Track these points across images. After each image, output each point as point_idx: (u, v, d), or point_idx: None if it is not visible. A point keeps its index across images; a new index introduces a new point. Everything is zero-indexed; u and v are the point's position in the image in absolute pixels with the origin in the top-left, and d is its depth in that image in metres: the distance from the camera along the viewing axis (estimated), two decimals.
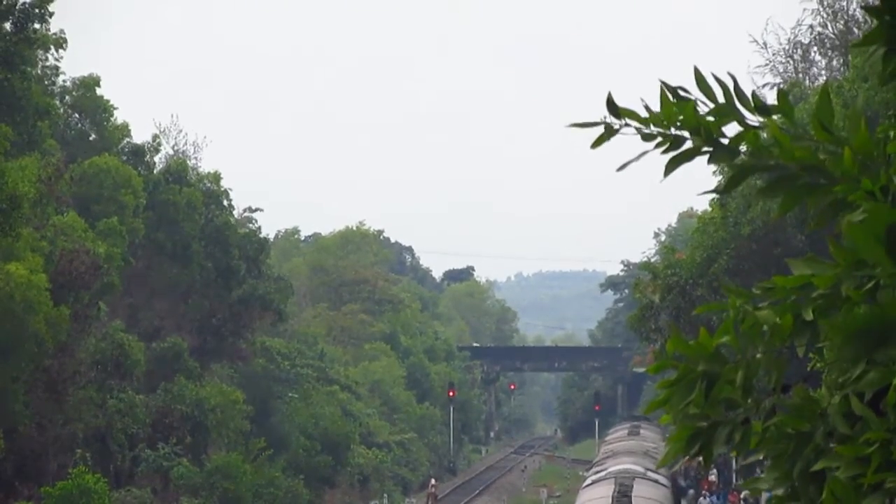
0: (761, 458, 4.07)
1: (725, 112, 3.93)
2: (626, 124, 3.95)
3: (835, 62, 48.99)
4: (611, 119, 3.96)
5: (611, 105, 3.97)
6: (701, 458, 4.07)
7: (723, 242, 37.45)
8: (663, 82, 3.97)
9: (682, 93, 3.92)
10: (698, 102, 3.92)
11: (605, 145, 4.02)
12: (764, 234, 36.44)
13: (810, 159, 3.81)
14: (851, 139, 3.75)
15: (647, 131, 3.94)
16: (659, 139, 3.94)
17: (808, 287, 3.79)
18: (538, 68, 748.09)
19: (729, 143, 3.92)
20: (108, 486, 41.21)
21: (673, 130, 3.92)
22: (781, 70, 50.89)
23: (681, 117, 3.90)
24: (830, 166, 3.79)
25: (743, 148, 3.93)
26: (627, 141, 4.10)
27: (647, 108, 3.95)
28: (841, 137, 3.80)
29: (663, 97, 3.92)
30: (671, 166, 3.99)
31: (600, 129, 3.97)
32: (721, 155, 3.94)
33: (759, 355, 3.87)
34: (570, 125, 4.05)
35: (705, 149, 3.94)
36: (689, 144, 3.95)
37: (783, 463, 3.93)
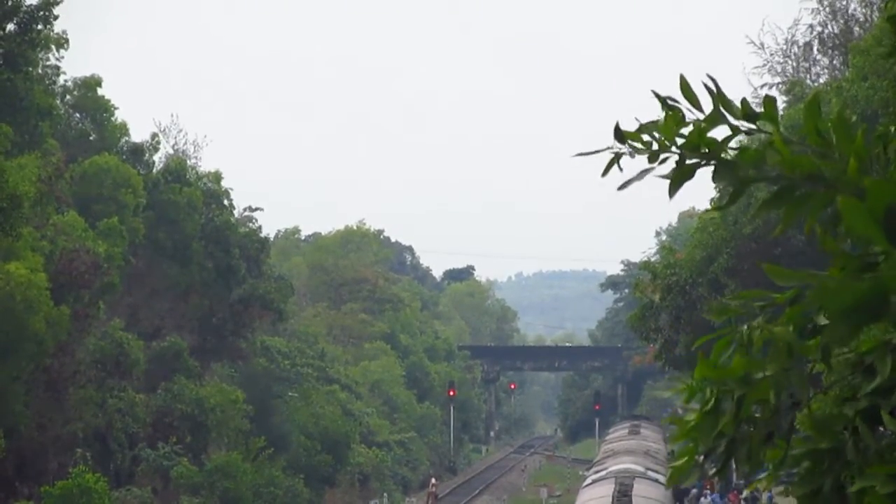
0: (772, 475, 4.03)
1: (715, 119, 3.94)
2: (634, 148, 3.96)
3: (835, 61, 48.98)
4: (616, 145, 3.97)
5: (618, 132, 3.98)
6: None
7: (722, 242, 37.44)
8: (655, 92, 3.97)
9: (671, 102, 3.93)
10: (686, 109, 3.93)
11: (605, 154, 4.03)
12: (764, 234, 36.43)
13: (811, 168, 3.80)
14: (842, 145, 3.74)
15: (653, 150, 3.95)
16: (664, 156, 3.94)
17: (800, 298, 3.77)
18: (538, 68, 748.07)
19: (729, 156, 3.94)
20: (109, 486, 41.22)
21: (674, 149, 3.94)
22: (780, 70, 50.89)
23: (681, 138, 3.92)
24: (829, 174, 3.78)
25: (732, 155, 3.94)
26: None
27: (643, 126, 3.96)
28: (838, 145, 3.80)
29: (667, 116, 3.93)
30: (675, 185, 3.99)
31: (605, 154, 3.99)
32: (724, 172, 3.95)
33: (767, 373, 3.86)
34: (575, 155, 4.08)
35: (705, 162, 3.95)
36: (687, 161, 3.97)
37: (812, 480, 3.90)
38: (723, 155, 3.91)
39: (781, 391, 3.86)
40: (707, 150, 3.90)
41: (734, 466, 4.07)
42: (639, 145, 3.92)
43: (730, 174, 3.91)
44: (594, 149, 3.99)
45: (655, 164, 3.93)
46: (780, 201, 3.85)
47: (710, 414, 3.91)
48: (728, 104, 3.95)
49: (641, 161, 3.98)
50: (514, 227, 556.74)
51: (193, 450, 52.83)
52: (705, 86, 3.96)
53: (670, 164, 3.94)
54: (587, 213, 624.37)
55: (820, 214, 3.84)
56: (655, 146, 3.92)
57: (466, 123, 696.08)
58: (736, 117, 3.94)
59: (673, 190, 3.98)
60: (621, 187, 4.01)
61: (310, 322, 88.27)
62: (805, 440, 3.92)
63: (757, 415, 3.94)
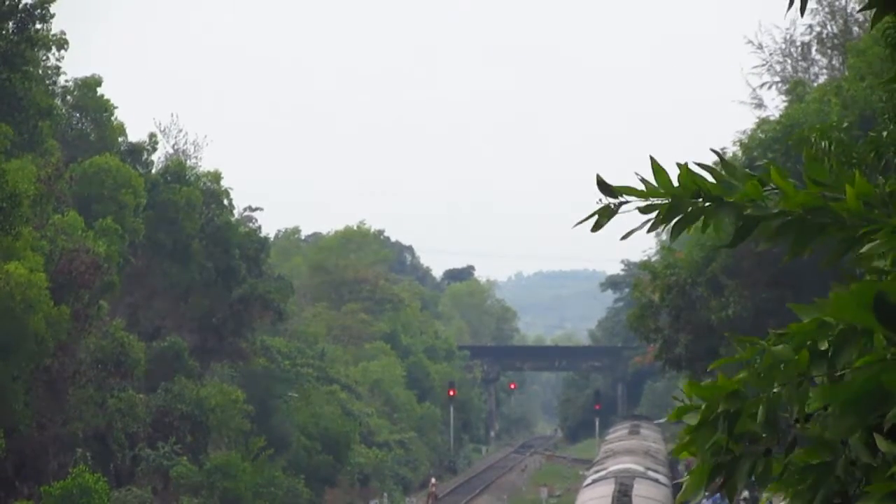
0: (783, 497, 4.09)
1: (723, 181, 4.04)
2: (625, 202, 4.07)
3: (834, 61, 48.98)
4: (605, 199, 4.09)
5: (602, 186, 4.08)
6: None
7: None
8: (652, 158, 4.08)
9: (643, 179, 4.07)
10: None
11: (604, 155, 4.13)
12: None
13: (815, 202, 3.88)
14: (841, 179, 3.82)
15: (645, 204, 4.06)
16: (657, 211, 4.05)
17: (824, 326, 3.84)
18: (538, 69, 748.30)
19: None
20: (109, 486, 41.23)
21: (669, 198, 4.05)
22: (779, 69, 50.92)
23: (677, 185, 4.02)
24: (835, 207, 3.87)
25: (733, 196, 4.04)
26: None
27: (643, 181, 4.06)
28: (838, 182, 3.89)
29: (655, 168, 4.04)
30: (678, 230, 4.12)
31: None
32: (724, 212, 4.04)
33: (776, 389, 3.93)
34: (575, 225, 4.23)
35: (707, 205, 4.06)
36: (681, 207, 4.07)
37: (805, 494, 3.95)
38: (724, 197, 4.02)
39: (774, 407, 3.93)
40: (706, 193, 4.01)
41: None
42: (632, 198, 4.04)
43: (733, 213, 4.02)
44: (587, 212, 4.16)
45: (652, 215, 4.06)
46: (787, 233, 3.95)
47: (703, 427, 3.98)
48: (732, 170, 4.07)
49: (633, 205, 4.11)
50: (514, 227, 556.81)
51: (193, 450, 52.81)
52: (714, 151, 4.09)
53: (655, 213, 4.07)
54: (587, 213, 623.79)
55: (829, 244, 3.94)
56: (645, 198, 4.05)
57: (467, 124, 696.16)
58: (738, 180, 4.05)
59: (675, 234, 4.14)
60: (624, 237, 4.17)
61: (310, 322, 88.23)
62: (800, 456, 3.97)
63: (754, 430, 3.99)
